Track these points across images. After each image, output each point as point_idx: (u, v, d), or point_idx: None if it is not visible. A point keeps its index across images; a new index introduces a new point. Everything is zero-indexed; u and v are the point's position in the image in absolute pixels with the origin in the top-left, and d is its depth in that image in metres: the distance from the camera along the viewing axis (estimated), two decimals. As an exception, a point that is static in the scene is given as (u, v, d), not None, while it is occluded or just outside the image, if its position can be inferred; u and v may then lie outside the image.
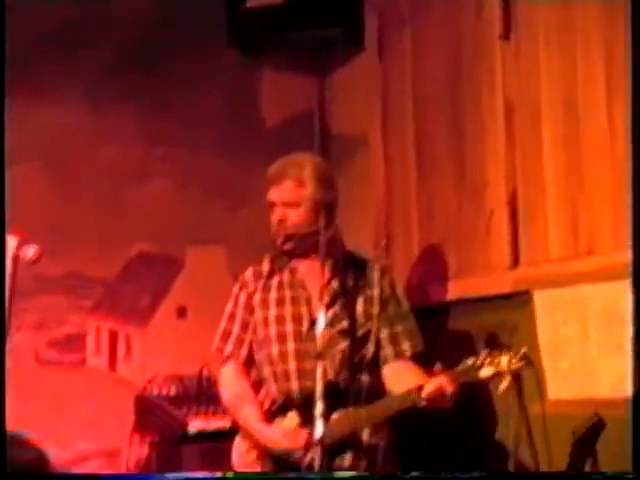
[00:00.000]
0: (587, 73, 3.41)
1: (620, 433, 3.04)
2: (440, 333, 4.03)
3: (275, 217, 3.41)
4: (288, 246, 3.40)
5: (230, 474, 3.14)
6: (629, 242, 3.08)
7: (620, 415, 3.07)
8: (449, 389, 2.98)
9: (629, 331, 3.09)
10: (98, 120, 4.77)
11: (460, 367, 3.03)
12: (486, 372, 2.95)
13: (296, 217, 3.39)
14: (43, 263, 3.58)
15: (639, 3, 2.98)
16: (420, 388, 3.02)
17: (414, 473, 2.88)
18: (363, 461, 3.30)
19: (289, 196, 3.39)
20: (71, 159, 4.76)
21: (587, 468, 3.21)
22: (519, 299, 3.65)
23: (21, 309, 4.04)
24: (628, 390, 3.07)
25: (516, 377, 3.47)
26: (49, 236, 4.22)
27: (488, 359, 2.96)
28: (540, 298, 3.56)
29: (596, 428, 3.21)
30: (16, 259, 3.50)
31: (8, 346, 3.46)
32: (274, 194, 3.42)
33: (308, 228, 3.36)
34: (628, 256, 3.01)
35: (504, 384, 2.94)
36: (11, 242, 3.49)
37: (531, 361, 3.03)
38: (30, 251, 3.53)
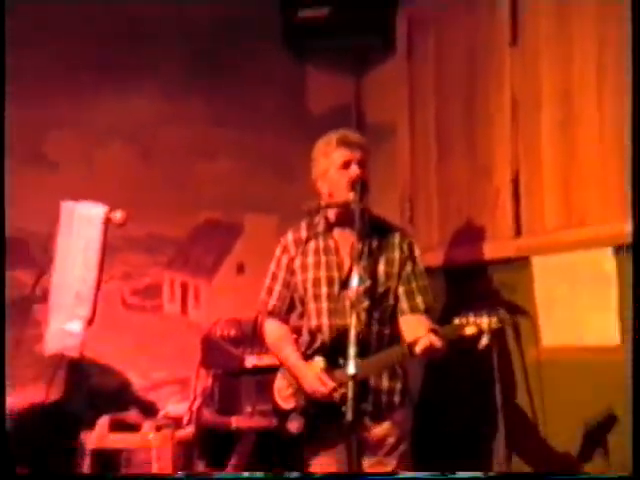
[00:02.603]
0: (581, 72, 3.36)
1: (608, 375, 3.08)
2: (453, 291, 4.00)
3: (353, 173, 3.15)
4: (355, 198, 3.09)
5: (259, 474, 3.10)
6: (616, 215, 3.06)
7: (606, 359, 3.12)
8: (439, 344, 2.96)
9: (614, 290, 3.11)
10: (173, 108, 4.75)
11: (448, 326, 3.02)
12: (470, 330, 2.95)
13: (367, 175, 3.21)
14: (128, 226, 3.58)
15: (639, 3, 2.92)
16: (415, 343, 2.99)
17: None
18: (383, 402, 3.20)
19: (363, 156, 3.19)
20: (151, 141, 4.75)
21: (597, 459, 3.17)
22: (520, 263, 3.60)
23: (110, 263, 4.02)
24: (612, 339, 3.12)
25: (515, 329, 3.48)
26: (134, 204, 4.20)
27: (472, 319, 2.96)
28: (537, 263, 3.53)
29: (607, 422, 3.13)
30: (106, 222, 3.50)
31: (100, 293, 3.47)
32: (349, 154, 3.18)
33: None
34: (614, 227, 3.07)
35: (484, 341, 2.94)
36: (99, 209, 3.49)
37: (508, 322, 3.04)
38: (117, 215, 3.53)
